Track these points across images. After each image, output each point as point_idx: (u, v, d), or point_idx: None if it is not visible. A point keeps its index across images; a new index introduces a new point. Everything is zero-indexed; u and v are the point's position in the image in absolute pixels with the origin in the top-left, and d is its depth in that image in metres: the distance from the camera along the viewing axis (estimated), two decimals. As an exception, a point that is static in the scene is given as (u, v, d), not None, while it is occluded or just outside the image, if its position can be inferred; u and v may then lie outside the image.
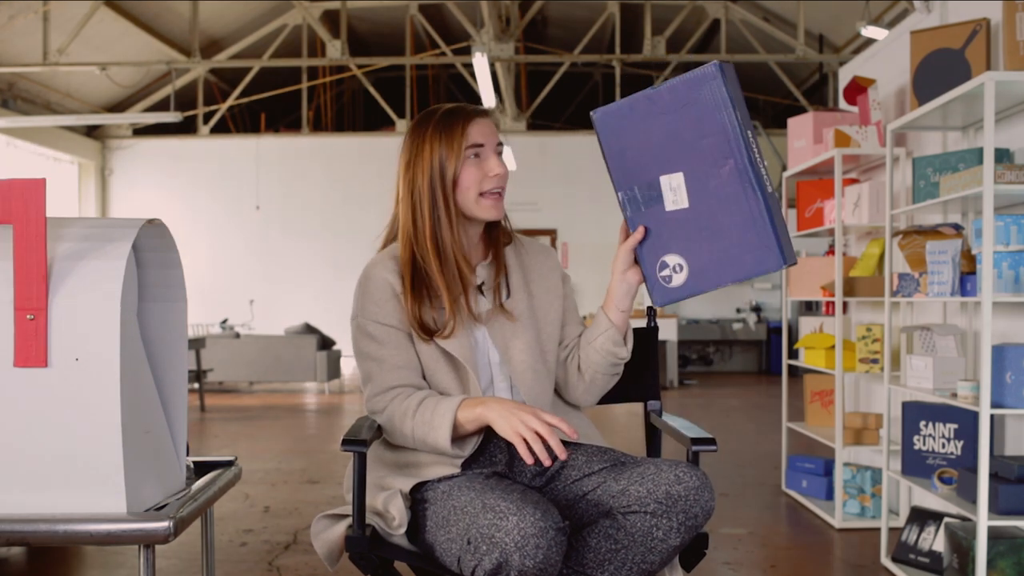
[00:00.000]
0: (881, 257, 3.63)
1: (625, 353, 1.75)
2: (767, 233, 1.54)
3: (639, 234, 1.62)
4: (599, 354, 1.74)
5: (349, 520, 1.64)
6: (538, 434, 1.53)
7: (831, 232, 3.85)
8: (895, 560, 3.03)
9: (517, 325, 1.74)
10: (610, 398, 1.88)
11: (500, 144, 1.75)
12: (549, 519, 1.39)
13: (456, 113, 1.73)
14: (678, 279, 1.63)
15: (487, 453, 1.70)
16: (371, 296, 1.71)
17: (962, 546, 2.62)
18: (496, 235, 1.81)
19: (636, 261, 1.67)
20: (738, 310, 12.70)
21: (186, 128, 12.82)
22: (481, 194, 1.70)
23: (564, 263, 12.18)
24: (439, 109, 1.75)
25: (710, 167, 1.55)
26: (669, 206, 1.60)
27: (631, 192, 1.63)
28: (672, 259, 1.63)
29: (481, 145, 1.70)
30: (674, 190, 1.59)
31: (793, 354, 4.23)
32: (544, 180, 12.16)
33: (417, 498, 1.64)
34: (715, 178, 1.55)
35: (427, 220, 1.70)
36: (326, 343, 9.33)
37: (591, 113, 1.63)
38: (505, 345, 1.73)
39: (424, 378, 1.73)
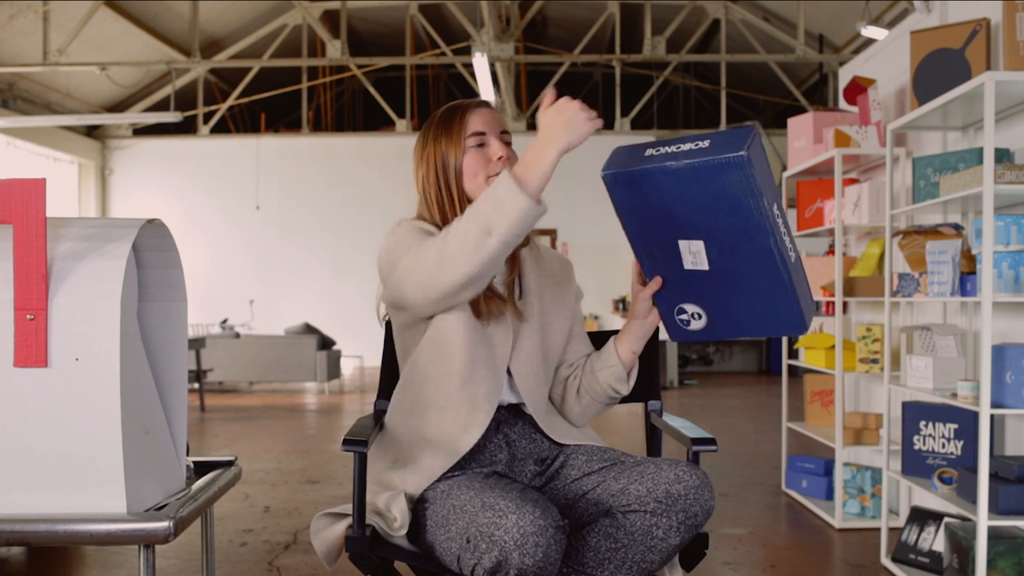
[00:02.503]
0: (881, 257, 3.63)
1: (626, 390, 1.76)
2: (789, 303, 1.53)
3: (656, 284, 1.61)
4: (600, 385, 1.75)
5: (349, 520, 1.64)
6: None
7: (831, 232, 3.85)
8: (895, 560, 3.03)
9: (525, 326, 1.74)
10: (610, 398, 1.88)
11: (506, 132, 1.74)
12: (548, 517, 1.39)
13: (455, 107, 1.75)
14: (696, 324, 1.63)
15: (487, 452, 1.70)
16: (405, 233, 1.66)
17: (962, 546, 2.62)
18: None
19: (654, 303, 1.67)
20: (738, 310, 12.69)
21: (186, 128, 12.82)
22: (488, 178, 1.70)
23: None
24: (441, 109, 1.77)
25: (732, 241, 1.50)
26: (688, 265, 1.56)
27: (647, 248, 1.58)
28: (691, 307, 1.62)
29: (483, 133, 1.71)
30: (694, 254, 1.54)
31: (793, 354, 4.23)
32: (544, 180, 12.13)
33: (416, 498, 1.63)
34: (737, 251, 1.50)
35: (437, 214, 1.71)
36: (326, 343, 9.33)
37: (602, 174, 1.51)
38: (512, 343, 1.73)
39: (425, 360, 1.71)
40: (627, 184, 1.50)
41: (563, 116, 1.49)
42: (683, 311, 1.63)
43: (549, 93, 1.54)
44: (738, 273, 1.53)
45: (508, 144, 1.74)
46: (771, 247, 1.48)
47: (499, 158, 1.70)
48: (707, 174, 1.44)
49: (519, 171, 1.50)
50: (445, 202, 1.71)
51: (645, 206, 1.51)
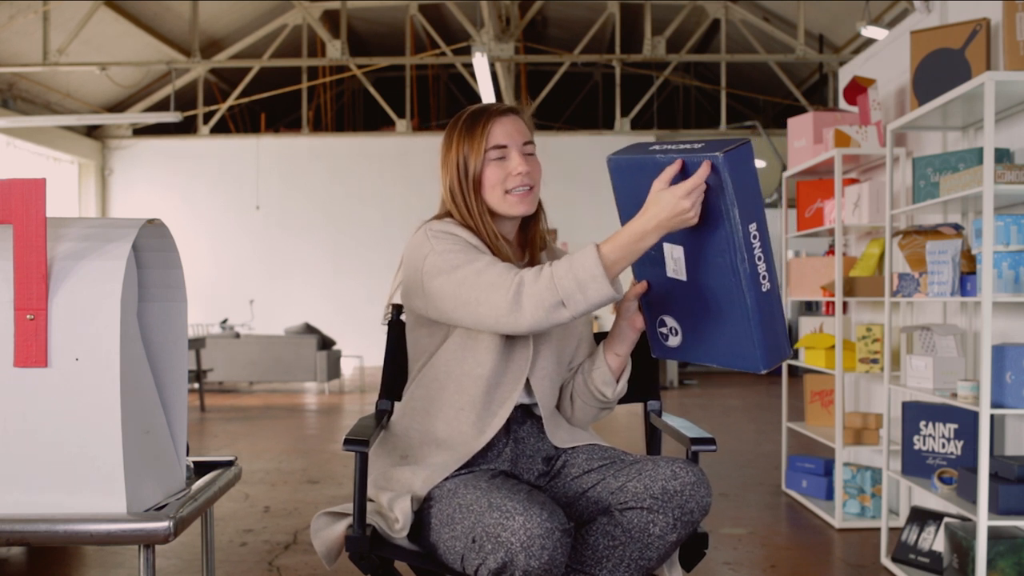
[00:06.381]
0: (881, 257, 3.63)
1: (612, 394, 1.75)
2: (750, 336, 1.50)
3: (640, 287, 1.64)
4: (588, 388, 1.76)
5: (349, 519, 1.64)
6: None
7: (831, 232, 3.85)
8: (895, 560, 3.03)
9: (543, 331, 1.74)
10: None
11: (529, 143, 1.73)
12: (555, 520, 1.39)
13: (479, 113, 1.73)
14: (673, 341, 1.63)
15: (494, 449, 1.70)
16: (440, 236, 1.65)
17: (962, 546, 2.62)
18: (532, 236, 1.80)
19: (641, 308, 1.68)
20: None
21: (186, 128, 12.82)
22: (507, 191, 1.70)
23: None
24: (467, 110, 1.76)
25: (707, 252, 1.49)
26: (669, 272, 1.57)
27: None
28: (670, 321, 1.62)
29: (504, 146, 1.70)
30: (675, 260, 1.55)
31: (793, 354, 4.23)
32: (544, 180, 12.08)
33: (422, 496, 1.63)
34: (711, 265, 1.50)
35: (465, 215, 1.71)
36: (326, 343, 9.33)
37: (607, 158, 1.57)
38: (532, 348, 1.73)
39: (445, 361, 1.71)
40: (625, 171, 1.55)
41: (668, 210, 1.47)
42: (664, 323, 1.64)
43: (674, 167, 1.49)
44: (709, 291, 1.52)
45: (532, 155, 1.73)
46: (737, 266, 1.46)
47: (517, 173, 1.69)
48: (689, 170, 1.46)
49: (610, 254, 1.50)
50: (469, 207, 1.70)
51: (638, 197, 1.53)
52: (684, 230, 1.51)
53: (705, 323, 1.56)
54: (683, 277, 1.55)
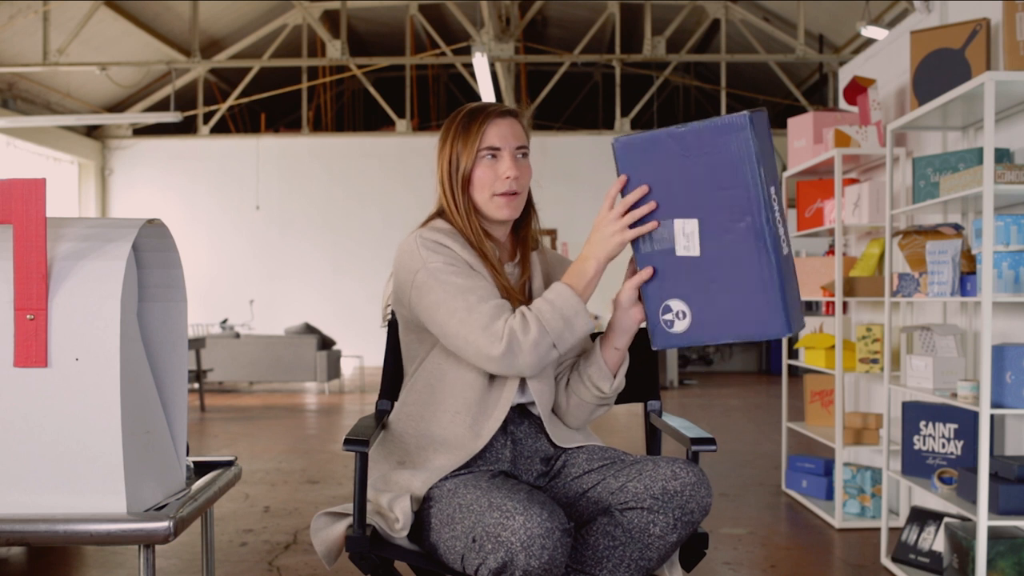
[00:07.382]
0: (881, 257, 3.63)
1: (608, 389, 1.73)
2: (775, 299, 1.48)
3: (646, 274, 1.59)
4: (584, 384, 1.74)
5: (349, 519, 1.64)
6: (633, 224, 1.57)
7: (831, 232, 3.85)
8: (895, 560, 3.03)
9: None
10: (610, 398, 1.88)
11: (522, 147, 1.73)
12: (556, 520, 1.39)
13: (477, 112, 1.73)
14: (680, 326, 1.59)
15: (493, 450, 1.70)
16: (432, 247, 1.66)
17: (962, 546, 2.62)
18: (524, 236, 1.80)
19: (640, 299, 1.64)
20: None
21: (186, 128, 12.82)
22: (493, 195, 1.70)
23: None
24: (466, 107, 1.76)
25: (726, 220, 1.49)
26: (680, 251, 1.55)
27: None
28: (676, 304, 1.59)
29: (497, 148, 1.70)
30: (687, 236, 1.54)
31: (793, 354, 4.23)
32: (544, 180, 11.96)
33: (422, 497, 1.63)
34: (730, 232, 1.49)
35: (453, 210, 1.72)
36: (326, 343, 9.33)
37: (612, 142, 1.57)
38: None
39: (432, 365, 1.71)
40: (633, 151, 1.55)
41: (597, 234, 1.59)
42: (669, 309, 1.60)
43: (619, 182, 1.58)
44: (727, 260, 1.50)
45: (525, 156, 1.74)
46: (763, 226, 1.46)
47: (507, 177, 1.69)
48: (710, 137, 1.48)
49: (576, 285, 1.61)
50: (457, 203, 1.71)
51: (647, 178, 1.54)
52: (699, 200, 1.50)
53: (719, 297, 1.53)
54: (696, 252, 1.53)
